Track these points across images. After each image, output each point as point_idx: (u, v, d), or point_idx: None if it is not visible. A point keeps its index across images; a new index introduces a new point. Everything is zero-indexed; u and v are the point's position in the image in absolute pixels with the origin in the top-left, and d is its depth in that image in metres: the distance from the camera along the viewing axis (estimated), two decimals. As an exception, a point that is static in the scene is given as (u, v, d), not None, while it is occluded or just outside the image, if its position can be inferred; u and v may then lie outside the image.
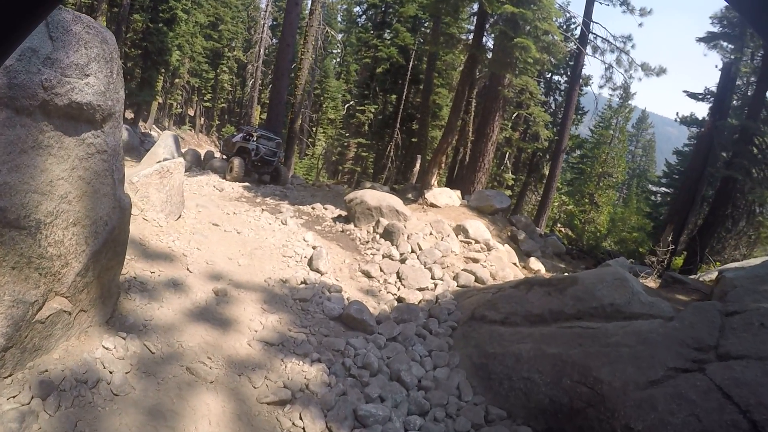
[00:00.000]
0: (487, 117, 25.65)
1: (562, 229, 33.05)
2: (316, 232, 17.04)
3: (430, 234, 16.79)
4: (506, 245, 18.71)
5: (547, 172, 35.81)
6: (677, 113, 42.48)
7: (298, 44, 38.77)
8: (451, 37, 23.89)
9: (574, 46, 32.23)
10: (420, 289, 13.72)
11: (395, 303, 12.76)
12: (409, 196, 22.70)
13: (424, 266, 14.85)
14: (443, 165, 20.98)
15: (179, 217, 14.24)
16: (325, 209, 19.84)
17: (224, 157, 26.80)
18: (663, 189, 44.54)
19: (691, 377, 7.84)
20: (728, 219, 27.15)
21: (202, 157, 30.64)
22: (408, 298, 13.08)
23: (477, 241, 17.12)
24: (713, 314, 9.33)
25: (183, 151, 31.25)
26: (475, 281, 14.70)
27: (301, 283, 12.40)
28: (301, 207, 20.13)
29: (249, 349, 9.10)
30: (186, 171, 24.68)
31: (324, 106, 53.40)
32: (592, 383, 8.38)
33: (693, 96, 28.61)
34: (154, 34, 42.44)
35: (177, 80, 51.03)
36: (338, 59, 59.32)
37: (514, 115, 32.67)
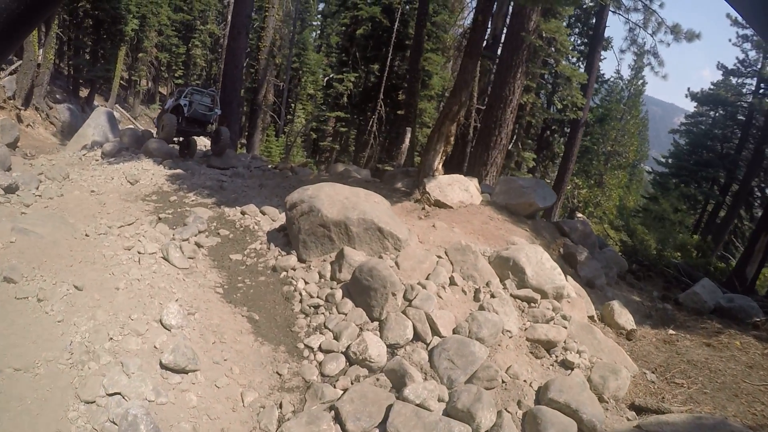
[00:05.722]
0: (506, 75, 15.75)
1: (581, 217, 23.21)
2: (220, 274, 7.32)
3: (451, 284, 6.96)
4: (569, 278, 8.97)
5: (558, 150, 26.02)
6: (688, 89, 33.56)
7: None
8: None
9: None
10: None
11: None
12: (399, 186, 12.83)
13: (452, 396, 5.05)
14: (452, 139, 10.90)
15: None
16: (262, 215, 10.11)
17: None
18: (664, 169, 34.82)
19: None
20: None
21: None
22: None
23: (543, 293, 7.42)
24: None
25: (120, 130, 21.37)
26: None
27: None
28: (226, 210, 10.42)
29: None
30: (113, 156, 15.38)
31: (303, 80, 43.10)
32: None
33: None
34: (105, 1, 31.85)
35: (141, 54, 40.43)
36: (318, 31, 48.84)
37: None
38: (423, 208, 10.37)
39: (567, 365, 6.49)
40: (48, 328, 5.49)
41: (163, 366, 5.03)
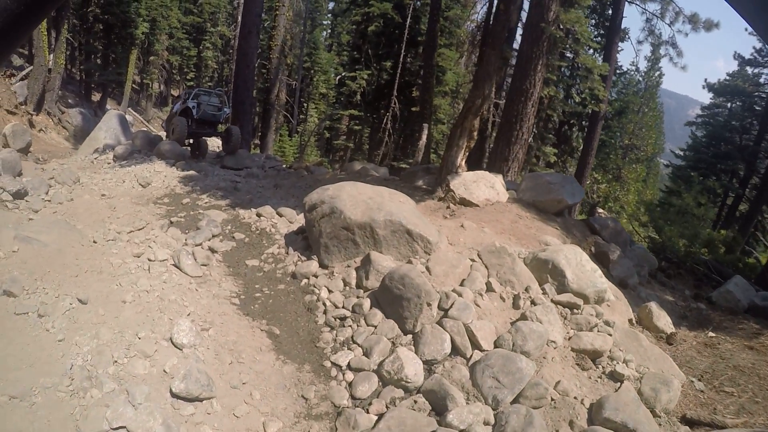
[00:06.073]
0: (526, 67, 15.04)
1: (602, 213, 22.40)
2: (236, 282, 6.74)
3: (488, 290, 6.29)
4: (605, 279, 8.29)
5: (577, 144, 25.22)
6: (705, 80, 32.67)
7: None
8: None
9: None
10: None
11: None
12: (420, 183, 12.21)
13: (499, 419, 4.44)
14: (475, 133, 10.16)
15: None
16: (279, 216, 9.49)
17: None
18: (681, 162, 33.71)
19: None
20: None
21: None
22: None
23: (585, 298, 6.77)
24: None
25: (132, 133, 20.92)
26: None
27: None
28: (241, 212, 9.88)
29: None
30: (124, 159, 14.94)
31: (315, 80, 42.53)
32: None
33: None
34: (114, 4, 31.54)
35: (152, 58, 40.00)
36: (328, 30, 48.15)
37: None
38: (448, 207, 9.71)
39: (616, 377, 5.83)
40: (47, 348, 4.92)
41: (173, 395, 4.39)
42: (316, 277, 6.78)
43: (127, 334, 5.04)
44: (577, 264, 6.96)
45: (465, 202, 9.89)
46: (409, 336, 5.53)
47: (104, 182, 12.44)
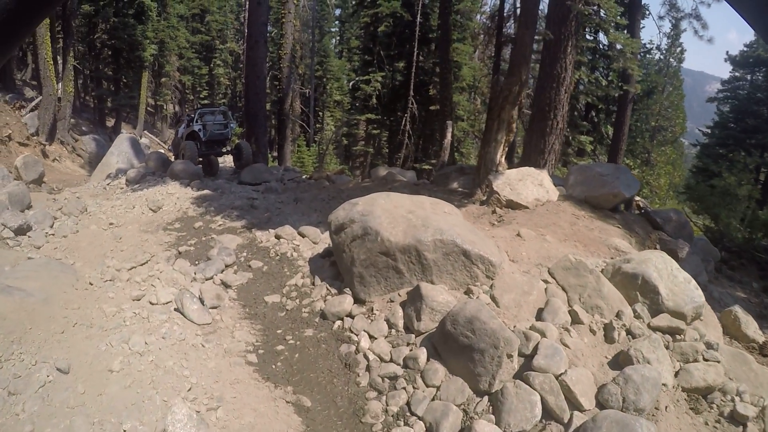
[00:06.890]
0: (555, 50, 13.55)
1: (639, 200, 20.74)
2: (253, 328, 5.41)
3: (574, 321, 4.77)
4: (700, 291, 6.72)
5: (605, 130, 23.56)
6: (727, 52, 30.89)
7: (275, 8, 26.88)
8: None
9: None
10: None
11: None
12: (455, 186, 10.83)
13: None
14: (514, 125, 8.64)
15: None
16: (301, 237, 8.20)
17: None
18: (705, 140, 31.77)
19: None
20: None
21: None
22: None
23: (683, 317, 5.21)
24: None
25: (146, 154, 19.84)
26: None
27: None
28: (258, 235, 8.69)
29: None
30: (137, 182, 13.89)
31: (328, 87, 41.36)
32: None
33: None
34: (120, 29, 30.69)
35: (164, 79, 39.13)
36: (337, 38, 46.82)
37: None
38: (494, 212, 8.27)
39: (737, 419, 4.35)
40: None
41: None
42: (352, 317, 5.37)
43: (109, 425, 3.69)
44: (669, 275, 5.47)
45: (512, 205, 8.44)
46: (485, 399, 4.09)
47: (113, 209, 11.37)
